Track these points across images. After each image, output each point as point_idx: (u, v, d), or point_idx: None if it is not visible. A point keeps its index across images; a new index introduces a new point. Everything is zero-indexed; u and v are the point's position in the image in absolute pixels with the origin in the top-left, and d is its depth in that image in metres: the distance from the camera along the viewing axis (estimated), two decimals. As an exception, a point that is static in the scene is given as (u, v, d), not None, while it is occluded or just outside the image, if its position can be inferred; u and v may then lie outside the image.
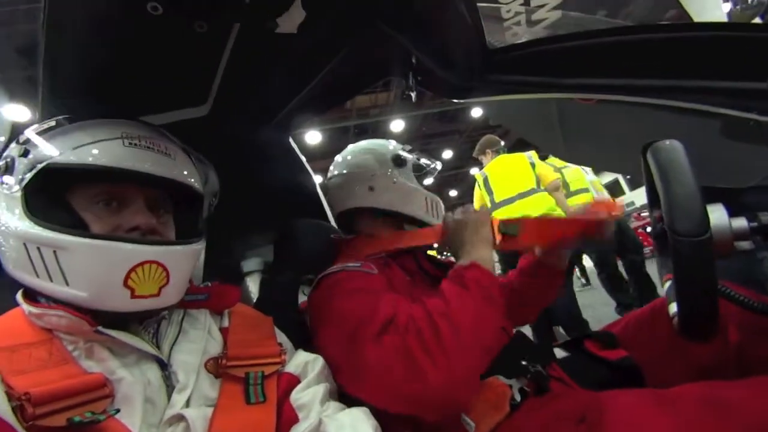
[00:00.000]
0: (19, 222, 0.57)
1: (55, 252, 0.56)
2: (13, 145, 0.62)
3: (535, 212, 2.64)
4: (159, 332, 0.65)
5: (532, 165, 2.77)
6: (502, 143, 3.02)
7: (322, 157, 8.80)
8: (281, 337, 0.75)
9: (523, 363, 0.70)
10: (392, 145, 1.12)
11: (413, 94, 0.91)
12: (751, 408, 0.45)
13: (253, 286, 1.24)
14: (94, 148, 0.61)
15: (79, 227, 0.59)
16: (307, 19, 0.62)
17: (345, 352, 0.70)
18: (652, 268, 2.80)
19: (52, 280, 0.57)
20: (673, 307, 0.54)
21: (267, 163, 1.17)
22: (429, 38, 0.82)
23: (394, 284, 0.85)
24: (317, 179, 1.36)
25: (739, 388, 0.50)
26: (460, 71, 0.85)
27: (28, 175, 0.59)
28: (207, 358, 0.65)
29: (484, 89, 0.89)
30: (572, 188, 3.07)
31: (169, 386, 0.59)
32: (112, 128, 0.64)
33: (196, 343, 0.66)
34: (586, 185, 3.07)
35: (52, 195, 0.60)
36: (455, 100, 0.98)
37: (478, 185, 2.98)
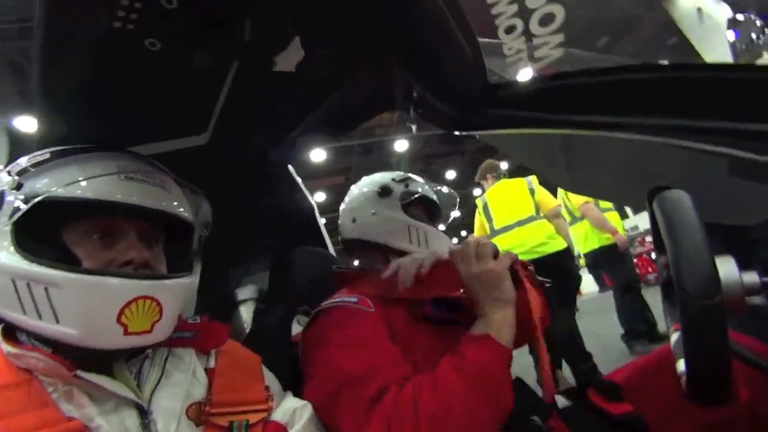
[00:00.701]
0: (7, 256, 0.55)
1: (46, 288, 0.54)
2: (2, 175, 0.61)
3: (533, 240, 2.61)
4: (141, 373, 0.62)
5: (531, 191, 2.73)
6: (504, 168, 3.00)
7: (326, 174, 8.86)
8: (269, 379, 0.72)
9: (532, 419, 0.67)
10: (392, 176, 1.10)
11: (414, 126, 0.90)
12: None
13: (246, 314, 1.21)
14: (90, 182, 0.60)
15: (70, 262, 0.58)
16: (306, 57, 0.62)
17: (325, 408, 0.68)
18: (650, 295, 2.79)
19: (41, 318, 0.55)
20: (681, 365, 0.51)
21: (264, 190, 1.16)
22: (430, 73, 0.82)
23: (392, 328, 0.80)
24: (321, 196, 1.35)
25: None
26: (461, 105, 0.84)
27: (22, 209, 0.57)
28: (189, 402, 0.62)
29: (484, 123, 0.89)
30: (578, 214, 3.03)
31: None
32: (107, 162, 0.63)
33: (179, 387, 0.63)
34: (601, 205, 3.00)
35: (42, 229, 0.59)
36: (455, 133, 0.97)
37: (479, 211, 2.96)
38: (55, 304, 0.54)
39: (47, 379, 0.55)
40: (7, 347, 0.55)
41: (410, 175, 1.11)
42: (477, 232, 3.03)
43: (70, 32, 0.54)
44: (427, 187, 1.11)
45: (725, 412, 0.63)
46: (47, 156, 0.62)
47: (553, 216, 2.68)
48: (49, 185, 0.59)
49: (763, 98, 0.65)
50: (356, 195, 1.10)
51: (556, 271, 2.52)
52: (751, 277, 0.48)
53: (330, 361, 0.72)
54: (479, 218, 2.95)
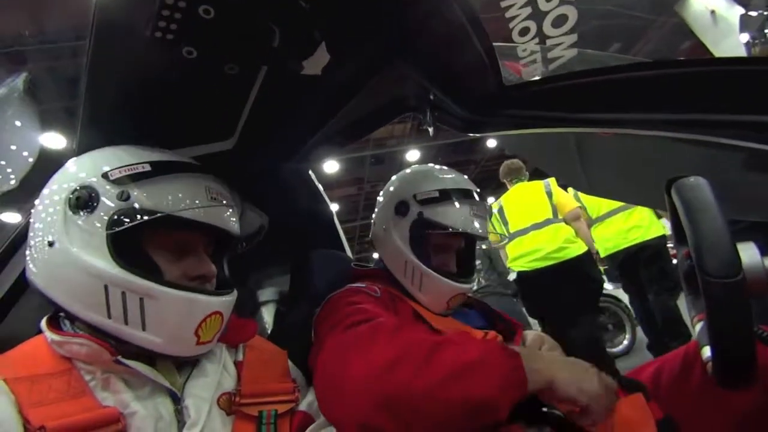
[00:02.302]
0: (102, 263, 0.58)
1: (141, 299, 0.58)
2: (93, 179, 0.62)
3: (550, 245, 2.54)
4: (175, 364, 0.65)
5: (549, 194, 2.66)
6: (525, 172, 2.92)
7: (339, 186, 8.94)
8: (295, 373, 0.75)
9: (544, 409, 0.66)
10: (422, 186, 0.95)
11: (431, 129, 0.93)
12: None
13: (267, 315, 1.24)
14: (190, 202, 0.64)
15: (155, 272, 0.62)
16: (331, 61, 0.65)
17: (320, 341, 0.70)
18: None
19: (127, 324, 0.59)
20: (706, 352, 0.51)
21: (286, 195, 1.19)
22: (446, 75, 0.84)
23: (397, 312, 0.83)
24: (334, 207, 1.38)
25: None
26: (477, 107, 0.86)
27: (135, 221, 0.59)
28: (220, 393, 0.64)
29: (500, 124, 0.90)
30: (601, 212, 2.80)
31: (181, 421, 0.59)
32: (200, 182, 0.67)
33: (211, 377, 0.66)
34: (617, 204, 2.73)
35: (128, 237, 0.61)
36: (471, 134, 0.99)
37: (494, 216, 2.91)
38: (147, 313, 0.59)
39: (86, 367, 0.58)
40: (51, 335, 0.59)
41: (446, 188, 0.94)
42: (491, 237, 3.02)
43: (117, 43, 0.59)
44: (458, 212, 0.92)
45: (754, 403, 0.62)
46: (147, 168, 0.64)
47: (573, 218, 2.60)
48: (158, 202, 0.61)
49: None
50: (383, 198, 1.02)
51: (577, 276, 2.47)
52: (774, 261, 0.48)
53: (333, 315, 0.74)
54: (495, 223, 2.89)
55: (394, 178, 1.06)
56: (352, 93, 0.85)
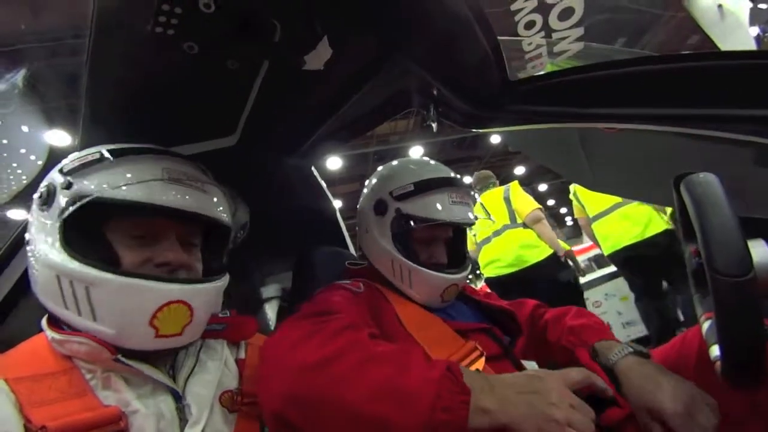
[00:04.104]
0: (54, 253, 0.58)
1: (87, 288, 0.57)
2: (54, 174, 0.64)
3: (508, 251, 2.52)
4: (176, 363, 0.65)
5: (506, 200, 2.63)
6: (492, 180, 2.89)
7: (342, 182, 8.93)
8: None
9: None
10: (397, 182, 0.92)
11: (434, 125, 0.92)
12: None
13: (271, 312, 1.24)
14: (137, 184, 0.62)
15: (112, 261, 0.60)
16: (333, 56, 0.64)
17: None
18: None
19: (80, 314, 0.58)
20: (715, 350, 0.50)
21: (289, 191, 1.19)
22: (450, 70, 0.83)
23: (377, 310, 0.80)
24: (338, 204, 1.37)
25: None
26: (481, 102, 0.85)
27: (71, 208, 0.60)
28: (222, 391, 0.64)
29: (504, 120, 0.89)
30: (599, 210, 2.69)
31: (182, 419, 0.59)
32: (154, 164, 0.66)
33: (212, 374, 0.65)
34: (614, 200, 2.60)
35: (87, 226, 0.61)
36: (475, 130, 0.98)
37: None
38: (94, 303, 0.57)
39: (87, 365, 0.58)
40: (52, 334, 0.59)
41: (421, 179, 0.91)
42: (469, 246, 3.00)
43: (117, 39, 0.58)
44: (436, 202, 0.89)
45: (743, 406, 0.61)
46: (97, 156, 0.65)
47: (533, 221, 2.52)
48: (98, 186, 0.61)
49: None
50: (362, 200, 1.00)
51: (543, 282, 2.39)
52: (785, 259, 0.47)
53: (294, 316, 0.72)
54: (468, 233, 2.91)
55: (371, 176, 1.02)
56: (355, 89, 0.85)
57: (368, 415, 0.51)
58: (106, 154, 0.64)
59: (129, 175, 0.62)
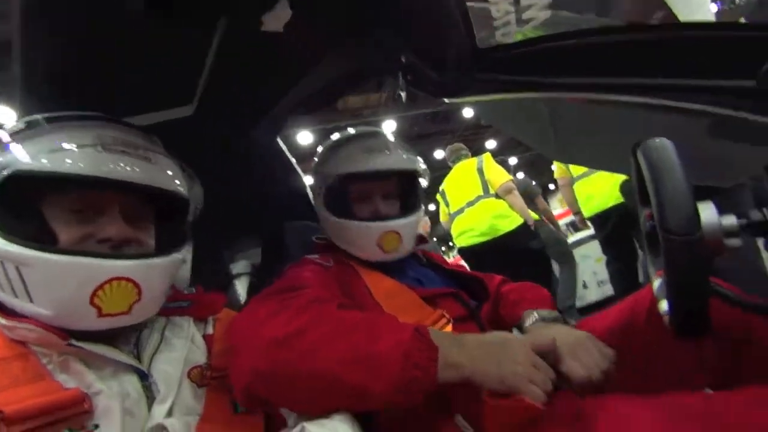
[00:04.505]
0: None
1: (17, 268, 0.53)
2: None
3: (480, 223, 2.59)
4: (140, 341, 0.63)
5: (480, 170, 2.69)
6: (463, 152, 2.94)
7: (314, 157, 8.76)
8: None
9: None
10: (317, 160, 0.99)
11: (403, 94, 0.90)
12: (747, 420, 0.44)
13: (241, 288, 1.22)
14: (65, 153, 0.57)
15: (46, 239, 0.56)
16: (294, 19, 0.60)
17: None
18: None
19: (17, 296, 0.54)
20: (664, 305, 0.54)
21: (255, 164, 1.15)
22: (418, 37, 0.81)
23: (347, 285, 0.82)
24: (308, 181, 1.34)
25: (734, 398, 0.50)
26: (450, 70, 0.84)
27: None
28: (190, 367, 0.63)
29: (474, 89, 0.89)
30: (582, 170, 2.61)
31: (150, 397, 0.57)
32: (85, 132, 0.60)
33: (178, 351, 0.64)
34: None
35: (22, 203, 0.57)
36: (446, 100, 0.97)
37: (439, 197, 2.95)
38: (28, 283, 0.53)
39: (42, 350, 0.55)
40: (1, 319, 0.55)
41: (329, 145, 0.97)
42: (441, 218, 3.03)
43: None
44: (345, 158, 0.92)
45: (694, 361, 0.67)
46: (22, 126, 0.60)
47: (504, 192, 2.59)
48: (20, 157, 0.56)
49: (746, 55, 0.67)
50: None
51: (514, 250, 2.49)
52: (729, 220, 0.50)
53: (262, 294, 0.72)
54: (441, 204, 2.94)
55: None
56: (319, 54, 0.81)
57: (341, 382, 0.53)
58: (34, 123, 0.59)
59: (54, 144, 0.57)
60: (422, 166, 0.98)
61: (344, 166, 0.91)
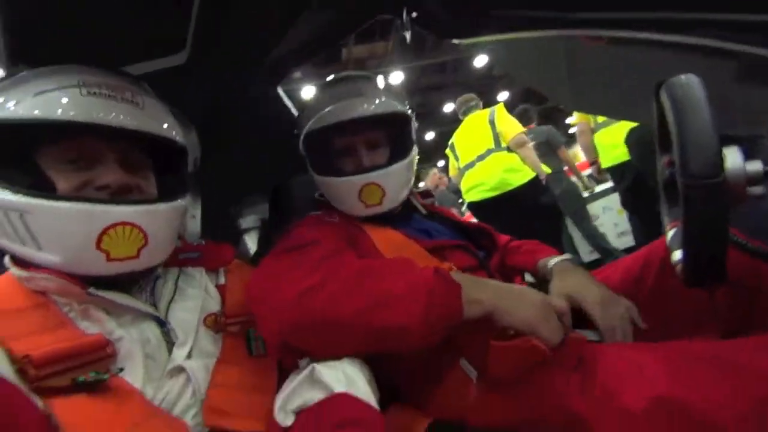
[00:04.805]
0: None
1: (21, 216, 0.53)
2: None
3: (491, 177, 2.50)
4: (155, 291, 0.64)
5: (491, 122, 2.56)
6: (473, 102, 2.79)
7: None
8: None
9: None
10: (304, 106, 0.91)
11: (408, 35, 0.83)
12: (758, 365, 0.44)
13: (251, 242, 1.24)
14: (45, 99, 0.55)
15: (45, 188, 0.56)
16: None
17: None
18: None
19: (24, 244, 0.55)
20: (677, 255, 0.52)
21: (257, 116, 1.11)
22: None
23: (353, 239, 0.81)
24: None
25: (744, 346, 0.49)
26: (460, 6, 0.77)
27: None
28: (205, 314, 0.65)
29: (485, 27, 0.82)
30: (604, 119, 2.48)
31: (169, 342, 0.59)
32: (67, 75, 0.58)
33: (193, 300, 0.66)
34: None
35: (16, 154, 0.56)
36: (456, 41, 0.90)
37: (449, 151, 2.84)
38: (34, 231, 0.53)
39: (62, 299, 0.56)
40: (18, 271, 0.56)
41: (307, 100, 0.90)
42: (451, 172, 2.95)
43: None
44: (325, 104, 0.85)
45: (703, 311, 0.66)
46: (3, 75, 0.58)
47: (517, 145, 2.49)
48: (2, 105, 0.55)
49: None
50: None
51: (525, 205, 2.42)
52: (755, 166, 0.47)
53: (274, 247, 0.74)
54: (450, 158, 2.85)
55: None
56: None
57: (369, 326, 0.55)
58: (16, 71, 0.57)
59: (36, 90, 0.56)
60: (404, 107, 0.90)
61: (316, 119, 0.85)
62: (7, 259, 0.59)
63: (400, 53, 7.29)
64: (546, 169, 2.67)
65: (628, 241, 3.18)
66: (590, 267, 0.92)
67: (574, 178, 3.40)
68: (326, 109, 0.84)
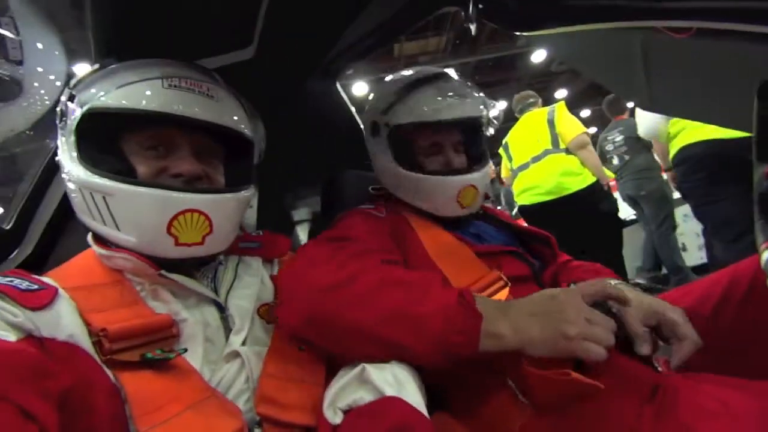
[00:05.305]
0: (74, 167, 0.59)
1: (104, 197, 0.58)
2: (65, 90, 0.63)
3: (547, 177, 2.32)
4: (216, 277, 0.67)
5: (550, 122, 2.37)
6: (531, 100, 2.62)
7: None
8: None
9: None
10: (385, 99, 0.86)
11: (473, 27, 0.80)
12: None
13: (302, 234, 1.27)
14: (130, 90, 0.60)
15: (127, 172, 0.60)
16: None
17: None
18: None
19: (105, 224, 0.59)
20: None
21: (315, 112, 1.13)
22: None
23: (399, 235, 0.79)
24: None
25: None
26: (529, -4, 0.72)
27: (76, 120, 0.59)
28: (260, 304, 0.67)
29: (555, 18, 0.76)
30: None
31: (227, 328, 0.62)
32: (151, 69, 0.62)
33: (250, 288, 0.68)
34: None
35: (103, 140, 0.61)
36: (519, 33, 0.85)
37: (501, 150, 2.68)
38: (114, 212, 0.58)
39: (136, 278, 0.60)
40: (99, 249, 0.61)
41: (401, 86, 0.85)
42: (503, 173, 2.79)
43: None
44: (422, 103, 0.82)
45: None
46: (97, 66, 0.63)
47: (577, 147, 2.30)
48: (93, 94, 0.60)
49: None
50: (363, 128, 0.97)
51: (582, 211, 2.24)
52: None
53: (314, 240, 0.74)
54: (503, 158, 2.69)
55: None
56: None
57: (381, 337, 0.53)
58: (107, 63, 0.62)
59: (124, 81, 0.60)
60: (495, 111, 0.89)
61: (420, 113, 0.82)
62: (89, 237, 0.64)
63: (452, 48, 7.15)
64: (609, 174, 2.46)
65: (703, 256, 2.87)
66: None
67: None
68: (431, 106, 0.82)
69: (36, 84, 0.75)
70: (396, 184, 0.90)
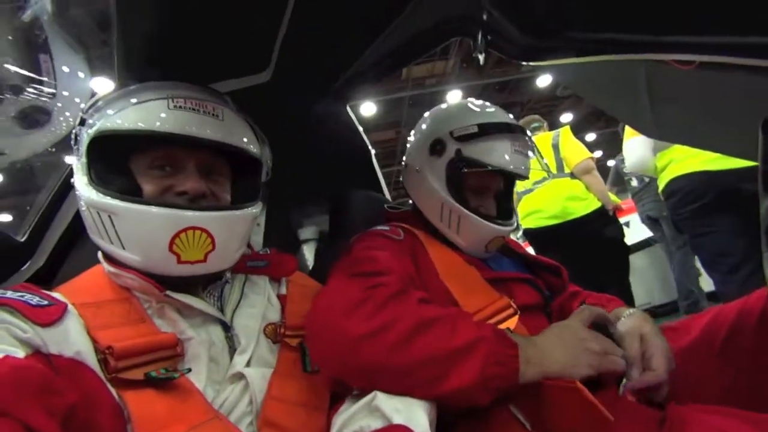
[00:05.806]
0: (83, 187, 0.61)
1: (110, 217, 0.59)
2: (79, 114, 0.66)
3: (552, 202, 2.31)
4: (222, 296, 0.68)
5: (555, 146, 2.38)
6: (536, 123, 2.64)
7: (376, 129, 8.75)
8: None
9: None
10: (459, 122, 0.87)
11: (481, 57, 0.83)
12: None
13: (308, 253, 1.27)
14: (137, 111, 0.62)
15: (134, 192, 0.62)
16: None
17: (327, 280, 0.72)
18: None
19: (112, 243, 0.60)
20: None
21: (325, 133, 1.16)
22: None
23: (417, 258, 0.79)
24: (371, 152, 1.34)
25: None
26: (536, 28, 0.75)
27: (86, 143, 0.62)
28: (266, 323, 0.67)
29: (561, 50, 0.79)
30: None
31: (231, 347, 0.62)
32: (157, 91, 0.64)
33: (256, 308, 0.68)
34: None
35: (113, 162, 0.63)
36: (526, 63, 0.88)
37: None
38: (119, 230, 0.59)
39: (143, 296, 0.61)
40: (108, 267, 0.62)
41: (486, 122, 0.85)
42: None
43: None
44: (499, 149, 0.84)
45: None
46: (106, 93, 0.66)
47: (582, 172, 2.30)
48: (101, 118, 0.62)
49: None
50: (416, 137, 0.95)
51: (586, 239, 2.23)
52: None
53: (344, 262, 0.75)
54: None
55: (426, 115, 0.98)
56: (396, 11, 0.76)
57: (423, 378, 0.54)
58: (119, 87, 0.65)
59: (129, 104, 0.63)
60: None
61: (496, 158, 0.84)
62: (100, 255, 0.65)
63: (459, 71, 7.29)
64: (615, 199, 2.45)
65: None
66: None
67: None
68: (510, 156, 0.85)
69: (61, 107, 0.78)
70: (433, 207, 0.88)
